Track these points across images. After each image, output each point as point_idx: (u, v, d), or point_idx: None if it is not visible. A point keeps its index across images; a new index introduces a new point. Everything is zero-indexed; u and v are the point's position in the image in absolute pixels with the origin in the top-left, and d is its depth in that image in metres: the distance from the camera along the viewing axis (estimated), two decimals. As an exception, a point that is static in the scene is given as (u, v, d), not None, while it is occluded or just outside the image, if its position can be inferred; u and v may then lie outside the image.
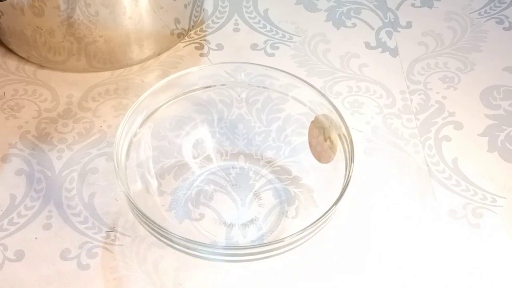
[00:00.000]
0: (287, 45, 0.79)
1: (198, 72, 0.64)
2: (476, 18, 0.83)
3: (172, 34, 0.75)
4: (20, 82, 0.73)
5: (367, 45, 0.79)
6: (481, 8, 0.84)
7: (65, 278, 0.58)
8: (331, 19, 0.82)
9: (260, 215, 0.62)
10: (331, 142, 0.61)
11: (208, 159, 0.66)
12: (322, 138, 0.62)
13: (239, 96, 0.67)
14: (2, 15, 0.70)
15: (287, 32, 0.80)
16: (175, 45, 0.77)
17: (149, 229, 0.54)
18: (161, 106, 0.63)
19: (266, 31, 0.80)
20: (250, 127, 0.67)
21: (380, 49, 0.79)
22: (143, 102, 0.61)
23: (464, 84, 0.75)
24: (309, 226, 0.53)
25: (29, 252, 0.59)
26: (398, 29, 0.81)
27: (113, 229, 0.61)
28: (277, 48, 0.78)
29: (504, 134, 0.70)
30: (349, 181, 0.55)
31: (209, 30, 0.80)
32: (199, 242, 0.53)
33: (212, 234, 0.60)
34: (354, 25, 0.82)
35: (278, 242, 0.53)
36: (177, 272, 0.58)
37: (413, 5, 0.85)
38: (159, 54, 0.75)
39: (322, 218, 0.53)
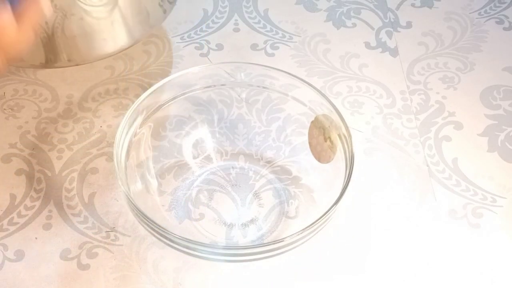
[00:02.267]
0: (287, 45, 0.79)
1: (198, 72, 0.64)
2: (476, 18, 0.83)
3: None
4: (20, 82, 0.73)
5: (367, 45, 0.79)
6: (481, 8, 0.84)
7: (65, 278, 0.58)
8: (331, 19, 0.82)
9: (260, 215, 0.62)
10: (331, 142, 0.61)
11: (208, 159, 0.66)
12: (322, 138, 0.62)
13: (239, 96, 0.67)
14: None
15: (287, 32, 0.80)
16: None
17: (149, 229, 0.54)
18: (161, 106, 0.63)
19: (266, 31, 0.80)
20: (250, 127, 0.67)
21: (380, 49, 0.79)
22: (143, 102, 0.61)
23: (464, 84, 0.75)
24: (309, 226, 0.53)
25: (29, 252, 0.59)
26: (398, 29, 0.81)
27: (113, 229, 0.61)
28: (277, 48, 0.78)
29: (504, 134, 0.70)
30: (349, 181, 0.55)
31: (209, 30, 0.80)
32: (199, 242, 0.53)
33: (212, 234, 0.60)
34: (354, 25, 0.82)
35: (278, 242, 0.53)
36: (177, 272, 0.58)
37: (413, 5, 0.85)
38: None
39: (322, 218, 0.53)
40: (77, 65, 0.70)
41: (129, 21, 0.69)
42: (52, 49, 0.67)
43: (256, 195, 0.63)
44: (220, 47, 0.78)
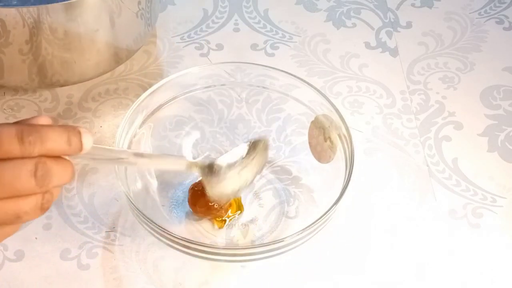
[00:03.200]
0: (287, 45, 0.79)
1: (198, 72, 0.64)
2: (476, 18, 0.83)
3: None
4: (20, 82, 0.73)
5: (367, 45, 0.79)
6: (481, 8, 0.84)
7: (65, 278, 0.58)
8: (331, 19, 0.82)
9: (260, 215, 0.62)
10: (331, 142, 0.61)
11: (208, 159, 0.66)
12: (322, 138, 0.62)
13: (239, 96, 0.67)
14: None
15: (287, 32, 0.80)
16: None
17: (149, 229, 0.54)
18: (161, 106, 0.63)
19: (266, 31, 0.80)
20: (250, 127, 0.67)
21: (380, 49, 0.79)
22: (143, 102, 0.61)
23: (464, 84, 0.75)
24: (309, 226, 0.53)
25: (29, 252, 0.59)
26: (398, 29, 0.81)
27: (113, 229, 0.61)
28: (277, 48, 0.78)
29: (504, 134, 0.70)
30: (349, 181, 0.55)
31: (209, 30, 0.80)
32: (199, 242, 0.53)
33: (212, 234, 0.60)
34: (354, 25, 0.82)
35: (278, 242, 0.53)
36: (177, 272, 0.58)
37: (413, 5, 0.85)
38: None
39: (322, 218, 0.53)
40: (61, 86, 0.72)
41: (117, 45, 0.71)
42: (42, 72, 0.69)
43: (256, 195, 0.63)
44: (220, 47, 0.78)
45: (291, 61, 0.77)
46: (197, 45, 0.78)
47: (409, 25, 0.82)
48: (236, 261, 0.56)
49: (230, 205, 0.61)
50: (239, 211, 0.61)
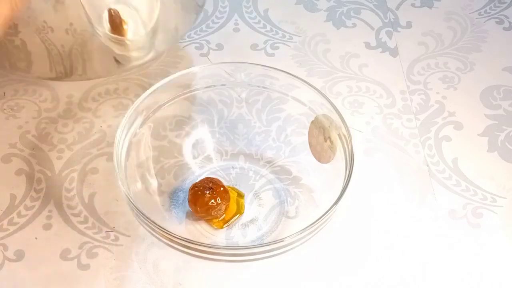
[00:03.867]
0: (287, 45, 0.79)
1: (198, 72, 0.64)
2: (476, 18, 0.83)
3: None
4: (20, 82, 0.73)
5: (367, 45, 0.79)
6: (481, 8, 0.84)
7: (65, 278, 0.58)
8: (331, 19, 0.82)
9: (260, 215, 0.62)
10: (331, 142, 0.61)
11: (208, 159, 0.66)
12: (322, 138, 0.62)
13: (239, 96, 0.67)
14: None
15: (287, 32, 0.80)
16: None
17: (149, 229, 0.54)
18: (161, 106, 0.63)
19: (266, 31, 0.80)
20: (250, 127, 0.67)
21: (380, 49, 0.79)
22: (143, 102, 0.61)
23: (464, 84, 0.75)
24: (309, 226, 0.53)
25: (29, 252, 0.59)
26: (398, 29, 0.81)
27: (113, 229, 0.61)
28: (277, 48, 0.78)
29: (504, 134, 0.70)
30: (349, 181, 0.55)
31: (209, 30, 0.80)
32: (199, 242, 0.53)
33: (212, 234, 0.60)
34: (354, 25, 0.82)
35: (278, 242, 0.53)
36: (177, 272, 0.58)
37: (413, 5, 0.85)
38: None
39: (322, 218, 0.53)
40: (89, 79, 0.69)
41: (155, 36, 0.67)
42: (68, 64, 0.65)
43: (256, 195, 0.63)
44: (220, 47, 0.78)
45: (291, 61, 0.77)
46: (197, 45, 0.78)
47: (409, 25, 0.82)
48: (236, 261, 0.56)
49: (230, 205, 0.61)
50: (238, 215, 0.61)
